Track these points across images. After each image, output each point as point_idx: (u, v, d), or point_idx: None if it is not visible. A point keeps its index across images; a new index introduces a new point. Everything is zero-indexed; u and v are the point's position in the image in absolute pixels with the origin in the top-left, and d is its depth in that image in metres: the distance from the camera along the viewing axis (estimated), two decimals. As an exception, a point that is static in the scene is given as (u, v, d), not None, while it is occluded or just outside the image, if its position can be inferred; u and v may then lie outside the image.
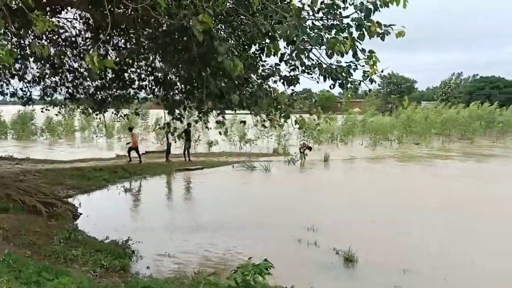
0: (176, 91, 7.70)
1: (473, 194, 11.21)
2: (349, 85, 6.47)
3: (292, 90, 6.94)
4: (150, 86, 8.36)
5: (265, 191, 11.68)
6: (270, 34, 5.07)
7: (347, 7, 5.77)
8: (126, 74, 8.54)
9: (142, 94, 9.07)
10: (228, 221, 8.22)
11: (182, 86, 7.47)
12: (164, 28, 6.11)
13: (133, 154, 14.67)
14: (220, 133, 6.47)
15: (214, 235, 7.27)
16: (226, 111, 6.69)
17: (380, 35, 5.58)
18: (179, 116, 6.80)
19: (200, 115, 7.01)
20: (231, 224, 8.06)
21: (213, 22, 4.02)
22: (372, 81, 6.22)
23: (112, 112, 10.02)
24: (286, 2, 5.76)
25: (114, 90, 9.19)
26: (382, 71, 6.10)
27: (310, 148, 18.34)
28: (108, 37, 7.77)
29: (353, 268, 5.92)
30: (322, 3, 5.53)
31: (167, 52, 6.28)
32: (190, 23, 3.87)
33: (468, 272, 5.89)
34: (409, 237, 7.40)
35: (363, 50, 5.83)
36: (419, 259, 6.30)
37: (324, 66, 6.09)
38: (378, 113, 34.76)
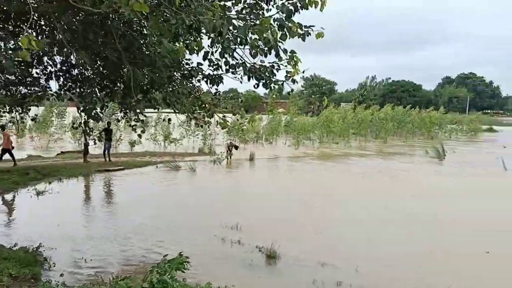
0: (94, 87, 7.27)
1: (385, 187, 12.01)
2: (272, 85, 6.57)
3: (216, 89, 6.90)
4: (64, 82, 7.80)
5: (190, 191, 11.52)
6: (194, 26, 4.99)
7: (270, 9, 5.87)
8: (36, 70, 7.87)
9: (54, 90, 8.43)
10: (150, 223, 7.96)
11: (101, 81, 7.07)
12: (83, 17, 5.73)
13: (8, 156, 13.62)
14: (135, 131, 6.23)
15: (135, 238, 7.00)
16: (150, 110, 6.48)
17: (301, 36, 5.74)
18: (95, 115, 6.41)
19: (122, 112, 6.70)
20: (154, 225, 7.81)
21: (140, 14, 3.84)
22: (294, 81, 6.38)
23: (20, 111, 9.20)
24: (210, 0, 5.71)
25: (24, 86, 8.43)
26: (303, 72, 6.28)
27: (236, 147, 18.45)
28: (17, 29, 7.12)
29: (275, 265, 6.04)
30: (245, 2, 5.56)
31: (87, 45, 5.91)
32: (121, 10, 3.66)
33: (377, 261, 6.26)
34: (327, 231, 7.72)
35: (285, 51, 5.96)
36: (335, 253, 6.60)
37: (248, 65, 6.13)
38: (301, 114, 36.00)
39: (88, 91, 7.17)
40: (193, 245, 6.68)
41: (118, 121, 6.70)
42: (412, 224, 8.31)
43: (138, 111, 6.27)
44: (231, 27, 4.92)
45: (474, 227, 8.21)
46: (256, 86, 6.37)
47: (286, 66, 6.26)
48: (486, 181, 13.82)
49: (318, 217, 8.71)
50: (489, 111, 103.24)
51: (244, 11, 5.53)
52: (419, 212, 9.24)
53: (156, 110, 6.74)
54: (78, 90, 7.16)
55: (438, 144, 21.02)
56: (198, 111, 6.68)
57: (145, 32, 4.56)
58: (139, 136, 6.27)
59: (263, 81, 6.29)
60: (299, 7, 5.37)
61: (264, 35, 5.52)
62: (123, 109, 6.65)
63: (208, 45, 5.69)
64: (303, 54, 5.87)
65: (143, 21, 4.31)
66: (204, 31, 4.88)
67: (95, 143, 7.77)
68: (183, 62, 7.01)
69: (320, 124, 27.09)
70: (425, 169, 16.23)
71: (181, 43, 4.47)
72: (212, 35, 5.09)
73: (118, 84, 6.58)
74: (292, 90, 6.93)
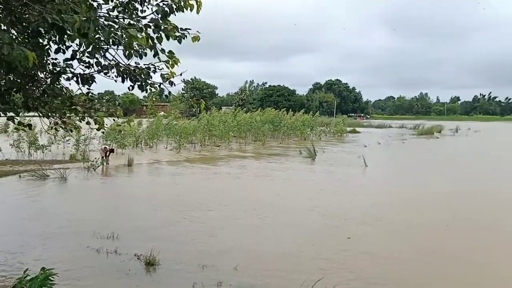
0: None
1: (261, 186, 12.58)
2: (148, 88, 6.38)
3: (89, 89, 6.47)
4: None
5: (60, 201, 10.58)
6: (58, 25, 4.59)
7: (145, 10, 5.72)
8: None
9: None
10: (11, 237, 7.09)
11: None
12: None
13: None
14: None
15: (-7, 257, 6.17)
16: (9, 114, 5.76)
17: (177, 38, 5.71)
18: None
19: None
20: (16, 239, 6.98)
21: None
22: (171, 83, 6.29)
23: None
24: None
25: None
26: (181, 74, 6.24)
27: (112, 150, 17.57)
28: None
29: (154, 272, 5.89)
30: (117, 1, 5.33)
31: None
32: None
33: (255, 258, 6.53)
34: (208, 233, 7.79)
35: (162, 50, 5.85)
36: (215, 254, 6.68)
37: (122, 67, 5.87)
38: (183, 117, 35.69)
39: None
40: (63, 260, 6.14)
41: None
42: (289, 221, 8.82)
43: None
44: (99, 31, 4.65)
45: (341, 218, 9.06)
46: (131, 88, 6.14)
47: (162, 68, 6.15)
48: (350, 176, 15.36)
49: (198, 219, 8.72)
50: (352, 114, 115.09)
51: (116, 10, 5.30)
52: (296, 207, 9.87)
53: (17, 115, 6.01)
54: None
55: (310, 145, 22.69)
56: (69, 115, 6.16)
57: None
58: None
59: (139, 83, 6.09)
60: (174, 9, 5.34)
61: (139, 35, 5.35)
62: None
63: (77, 44, 5.33)
64: (185, 58, 5.87)
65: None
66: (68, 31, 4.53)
67: None
68: (49, 61, 6.41)
69: (202, 127, 27.17)
70: (298, 167, 17.43)
71: (29, 51, 3.99)
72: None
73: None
74: (170, 93, 6.83)
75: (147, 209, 9.65)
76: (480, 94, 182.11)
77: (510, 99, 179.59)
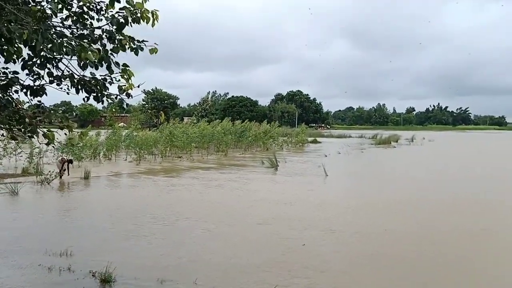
0: None
1: (234, 200, 12.52)
2: (105, 99, 6.23)
3: (39, 101, 6.22)
4: None
5: (9, 217, 10.05)
6: (5, 36, 4.42)
7: (101, 19, 5.60)
8: None
9: None
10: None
11: None
12: None
13: None
14: None
15: None
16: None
17: (134, 50, 5.64)
18: None
19: None
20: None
21: None
22: (128, 95, 6.18)
23: None
24: (29, 6, 5.15)
25: None
26: (139, 86, 6.14)
27: (71, 161, 17.10)
28: None
29: (111, 288, 5.69)
30: (70, 10, 5.20)
31: None
32: None
33: (213, 271, 6.46)
34: (167, 247, 7.64)
35: (117, 64, 5.75)
36: (175, 268, 6.56)
37: (77, 77, 5.71)
38: (143, 128, 35.06)
39: None
40: (12, 280, 5.82)
41: None
42: (247, 233, 8.81)
43: None
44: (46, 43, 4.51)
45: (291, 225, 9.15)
46: (86, 99, 5.97)
47: (119, 80, 6.04)
48: (310, 185, 15.57)
49: (156, 233, 8.54)
50: (313, 124, 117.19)
51: (70, 20, 5.16)
52: (256, 218, 9.88)
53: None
54: None
55: (272, 155, 22.86)
56: (17, 127, 5.90)
57: None
58: None
59: (94, 94, 5.93)
60: (130, 21, 5.27)
61: (93, 46, 5.26)
62: None
63: (28, 53, 5.14)
64: (146, 68, 5.81)
65: None
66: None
67: None
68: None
69: (164, 138, 26.76)
70: (260, 178, 17.49)
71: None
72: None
73: None
74: (127, 105, 6.70)
75: (104, 223, 9.35)
76: (433, 105, 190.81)
77: (461, 109, 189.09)
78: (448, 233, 9.10)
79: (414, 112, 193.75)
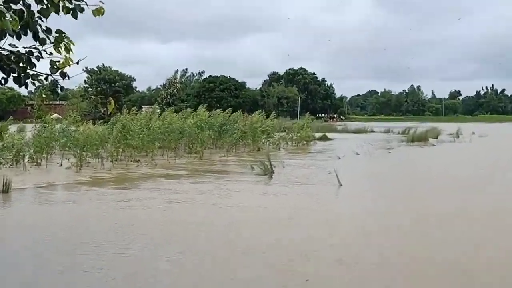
0: None
1: (213, 221, 12.56)
2: (30, 81, 6.21)
3: None
4: None
5: None
6: None
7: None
8: None
9: None
10: None
11: None
12: None
13: None
14: None
15: None
16: None
17: (71, 11, 5.62)
18: None
19: None
20: None
21: None
22: (64, 75, 6.16)
23: None
24: None
25: None
26: (77, 62, 6.12)
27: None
28: None
29: None
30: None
31: None
32: None
33: None
34: (112, 286, 7.62)
35: (48, 30, 5.74)
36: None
37: (-13, 51, 5.71)
38: (86, 121, 34.85)
39: None
40: None
41: None
42: (231, 263, 8.86)
43: None
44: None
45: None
46: (3, 82, 5.95)
47: (51, 54, 6.02)
48: (317, 199, 15.65)
49: (101, 266, 8.53)
50: (322, 115, 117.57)
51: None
52: (240, 244, 9.92)
53: None
54: None
55: (265, 158, 22.89)
56: None
57: None
58: None
59: (15, 74, 5.90)
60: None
61: (14, 7, 5.26)
62: None
63: None
64: (89, 38, 5.79)
65: None
66: None
67: None
68: None
69: (114, 135, 26.63)
70: (248, 190, 17.53)
71: None
72: None
73: None
74: (63, 88, 6.68)
75: (28, 257, 9.32)
76: (485, 88, 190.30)
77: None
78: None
79: (460, 98, 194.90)
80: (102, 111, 60.74)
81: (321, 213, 13.62)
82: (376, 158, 31.01)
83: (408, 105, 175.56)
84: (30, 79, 5.97)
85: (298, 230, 11.47)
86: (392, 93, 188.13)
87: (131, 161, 25.77)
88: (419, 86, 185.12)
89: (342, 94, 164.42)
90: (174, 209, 14.00)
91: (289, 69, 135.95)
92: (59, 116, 37.10)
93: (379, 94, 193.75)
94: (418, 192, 17.85)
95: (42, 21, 5.40)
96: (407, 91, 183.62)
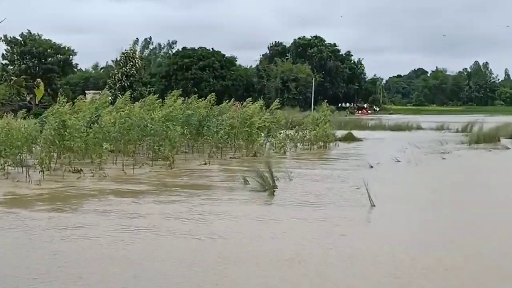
0: None
1: (187, 264, 12.48)
2: None
3: None
4: None
5: None
6: None
7: None
8: None
9: None
10: None
11: None
12: None
13: None
14: None
15: None
16: None
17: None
18: None
19: None
20: None
21: None
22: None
23: None
24: None
25: None
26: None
27: None
28: None
29: None
30: None
31: None
32: None
33: None
34: None
35: None
36: None
37: None
38: (5, 112, 34.69)
39: None
40: None
41: None
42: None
43: None
44: None
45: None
46: None
47: None
48: (338, 227, 15.54)
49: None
50: (347, 104, 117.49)
51: None
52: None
53: None
54: None
55: (264, 166, 22.77)
56: None
57: None
58: None
59: None
60: None
61: None
62: None
63: None
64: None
65: None
66: None
67: None
68: None
69: (47, 134, 26.54)
70: (240, 213, 17.34)
71: None
72: None
73: None
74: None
75: None
76: None
77: None
78: None
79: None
80: (28, 98, 60.55)
81: (343, 249, 13.48)
82: (425, 167, 30.81)
83: (470, 91, 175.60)
84: None
85: (309, 275, 11.35)
86: (448, 73, 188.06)
87: (70, 170, 25.68)
88: (486, 63, 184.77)
89: (375, 75, 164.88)
90: (127, 242, 13.80)
91: (299, 38, 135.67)
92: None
93: (428, 75, 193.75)
94: (489, 223, 17.65)
95: None
96: (469, 70, 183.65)
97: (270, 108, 41.17)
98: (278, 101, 45.46)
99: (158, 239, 14.20)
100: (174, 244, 13.72)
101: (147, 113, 31.89)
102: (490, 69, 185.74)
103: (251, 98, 43.18)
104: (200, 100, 38.73)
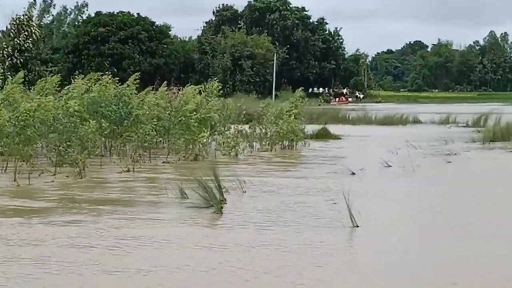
0: None
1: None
2: None
3: None
4: None
5: None
6: None
7: None
8: None
9: None
10: None
11: None
12: None
13: None
14: None
15: None
16: None
17: None
18: None
19: None
20: None
21: None
22: None
23: None
24: None
25: None
26: None
27: None
28: None
29: None
30: None
31: None
32: None
33: None
34: None
35: None
36: None
37: None
38: None
39: None
40: None
41: None
42: None
43: None
44: None
45: None
46: None
47: None
48: (303, 270, 15.38)
49: None
50: (321, 89, 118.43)
51: None
52: None
53: None
54: None
55: (209, 172, 22.67)
56: None
57: None
58: None
59: None
60: None
61: None
62: None
63: None
64: None
65: None
66: None
67: None
68: None
69: None
70: (173, 238, 17.15)
71: None
72: None
73: None
74: None
75: None
76: None
77: None
78: None
79: None
80: None
81: None
82: (424, 174, 31.06)
83: (484, 71, 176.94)
84: None
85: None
86: (454, 47, 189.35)
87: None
88: (505, 34, 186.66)
89: (358, 50, 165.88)
90: (15, 281, 13.55)
91: (255, 0, 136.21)
92: None
93: (429, 50, 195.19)
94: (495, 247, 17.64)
95: None
96: (482, 43, 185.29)
97: (215, 94, 40.89)
98: (229, 85, 45.30)
99: (46, 277, 13.79)
100: (69, 282, 13.35)
101: (48, 103, 31.58)
102: (510, 42, 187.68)
103: (191, 81, 43.07)
104: (119, 84, 38.37)
